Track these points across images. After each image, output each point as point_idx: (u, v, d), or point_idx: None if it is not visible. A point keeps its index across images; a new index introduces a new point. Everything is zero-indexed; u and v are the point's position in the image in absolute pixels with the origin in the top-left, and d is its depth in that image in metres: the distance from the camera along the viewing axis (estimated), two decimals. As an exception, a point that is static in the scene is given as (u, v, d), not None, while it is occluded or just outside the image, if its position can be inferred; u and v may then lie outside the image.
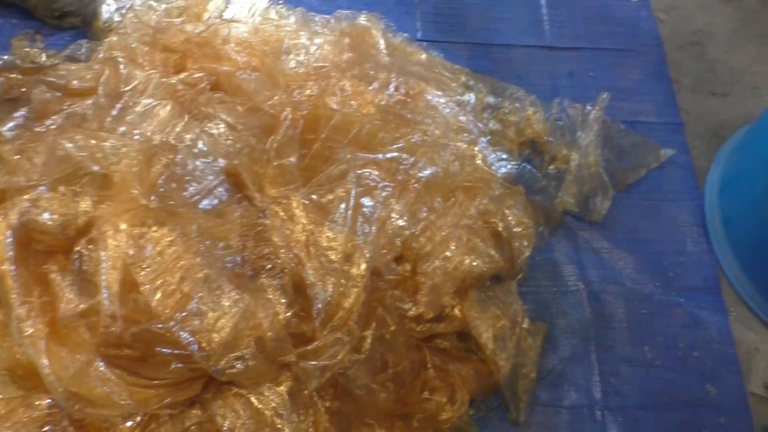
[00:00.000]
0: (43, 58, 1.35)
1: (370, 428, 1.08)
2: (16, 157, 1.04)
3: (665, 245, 1.39)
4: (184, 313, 0.91)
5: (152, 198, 0.95)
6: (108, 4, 1.42)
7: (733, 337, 1.31)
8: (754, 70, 1.65)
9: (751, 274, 1.35)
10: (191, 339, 0.91)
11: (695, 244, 1.40)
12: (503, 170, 1.35)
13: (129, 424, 0.96)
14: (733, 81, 1.63)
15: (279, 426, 0.98)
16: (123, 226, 0.94)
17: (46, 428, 0.97)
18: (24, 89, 1.24)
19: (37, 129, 1.11)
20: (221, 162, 1.05)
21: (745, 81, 1.63)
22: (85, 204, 0.99)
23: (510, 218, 1.26)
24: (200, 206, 0.99)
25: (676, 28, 1.70)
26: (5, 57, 1.34)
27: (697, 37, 1.69)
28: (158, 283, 0.93)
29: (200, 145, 1.09)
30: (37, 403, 0.97)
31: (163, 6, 1.39)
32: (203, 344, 0.91)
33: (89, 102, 1.15)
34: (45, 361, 0.90)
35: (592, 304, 1.31)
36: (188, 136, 1.10)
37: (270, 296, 0.98)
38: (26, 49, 1.38)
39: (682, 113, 1.56)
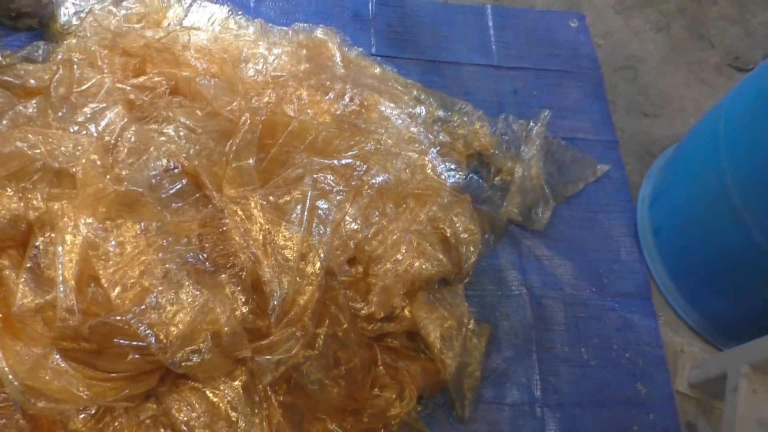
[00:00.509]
0: (-1, 58, 1.35)
1: (322, 423, 1.11)
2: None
3: (601, 254, 1.48)
4: (142, 306, 0.93)
5: (125, 183, 0.97)
6: (66, 8, 1.43)
7: (661, 340, 1.40)
8: (682, 94, 1.78)
9: (677, 281, 1.45)
10: (149, 332, 0.93)
11: (628, 253, 1.50)
12: (452, 180, 1.42)
13: (83, 416, 0.96)
14: (663, 103, 1.76)
15: (234, 419, 1.00)
16: (87, 220, 0.95)
17: (-3, 423, 0.96)
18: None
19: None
20: (179, 162, 1.08)
21: (673, 103, 1.76)
22: (36, 200, 1.00)
23: (458, 225, 1.33)
24: (161, 197, 1.00)
25: (612, 53, 1.82)
26: (-40, 56, 1.32)
27: (631, 62, 1.82)
28: (118, 276, 0.95)
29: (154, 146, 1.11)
30: (-13, 398, 0.97)
31: (123, 11, 1.42)
32: (161, 337, 0.93)
33: (37, 101, 1.15)
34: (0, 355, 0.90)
35: (534, 307, 1.39)
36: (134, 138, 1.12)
37: (228, 292, 1.01)
38: (-21, 48, 1.37)
39: (617, 131, 1.67)
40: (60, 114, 1.10)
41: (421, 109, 1.46)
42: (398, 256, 1.23)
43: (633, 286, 1.46)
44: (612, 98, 1.73)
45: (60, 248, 0.94)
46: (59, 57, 1.30)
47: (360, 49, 1.57)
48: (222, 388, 1.03)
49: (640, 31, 1.90)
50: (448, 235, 1.32)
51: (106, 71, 1.25)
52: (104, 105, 1.13)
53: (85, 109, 1.11)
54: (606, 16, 1.90)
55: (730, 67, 1.87)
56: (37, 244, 0.96)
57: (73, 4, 1.44)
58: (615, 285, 1.45)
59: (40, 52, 1.38)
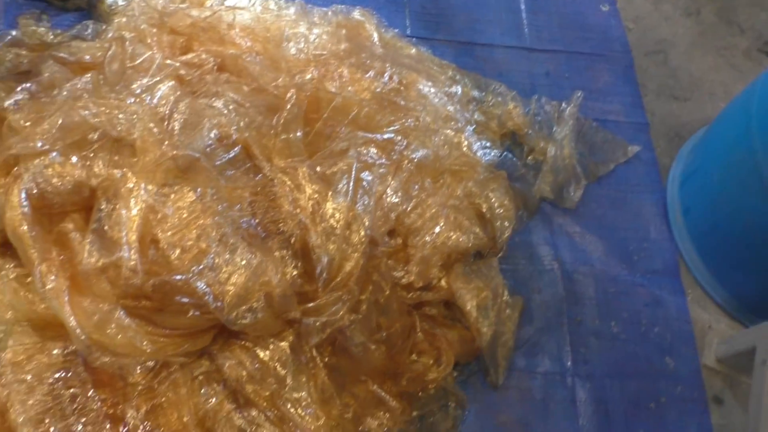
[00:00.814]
0: (50, 37, 1.40)
1: (364, 384, 1.16)
2: (26, 124, 1.10)
3: (631, 232, 1.52)
4: (200, 267, 0.99)
5: (176, 150, 1.02)
6: (114, -12, 1.48)
7: (689, 316, 1.44)
8: (712, 78, 1.80)
9: (705, 259, 1.48)
10: (207, 290, 0.98)
11: (658, 232, 1.53)
12: (487, 158, 1.46)
13: (142, 370, 1.02)
14: (693, 87, 1.78)
15: (282, 375, 1.06)
16: (147, 186, 1.00)
17: (61, 374, 1.02)
18: (33, 64, 1.29)
19: (44, 100, 1.17)
20: (230, 134, 1.13)
21: (703, 87, 1.78)
22: (97, 167, 1.05)
23: (493, 200, 1.37)
24: (215, 164, 1.06)
25: (643, 37, 1.84)
26: (13, 33, 1.38)
27: (661, 46, 1.84)
28: (176, 239, 1.00)
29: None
30: (54, 351, 1.03)
31: (169, -9, 1.47)
32: (218, 295, 0.98)
33: (92, 76, 1.21)
34: (68, 311, 0.96)
35: (565, 282, 1.42)
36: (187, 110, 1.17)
37: (278, 256, 1.06)
38: (32, 28, 1.43)
39: (647, 114, 1.69)
40: (116, 88, 1.15)
41: (456, 89, 1.50)
42: (436, 229, 1.27)
43: (662, 263, 1.49)
44: (642, 81, 1.75)
45: (123, 212, 1.00)
46: (110, 35, 1.35)
47: (396, 31, 1.61)
48: (271, 347, 1.08)
49: (670, 15, 1.91)
50: (484, 210, 1.36)
51: (155, 49, 1.30)
52: (157, 79, 1.18)
53: (140, 83, 1.16)
54: (636, 0, 1.92)
55: (759, 52, 1.88)
56: (102, 208, 1.01)
57: (121, -16, 1.49)
58: (644, 262, 1.48)
59: (89, 31, 1.43)
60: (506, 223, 1.37)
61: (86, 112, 1.08)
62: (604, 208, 1.54)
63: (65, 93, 1.13)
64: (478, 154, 1.43)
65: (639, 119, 1.68)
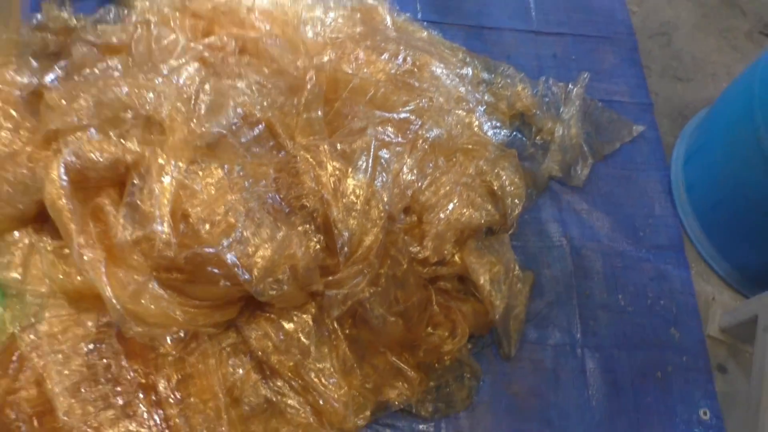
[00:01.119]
0: (74, 21, 1.44)
1: (383, 355, 1.21)
2: (62, 102, 1.14)
3: (636, 209, 1.57)
4: (230, 240, 1.03)
5: (203, 128, 1.06)
6: (134, -26, 1.52)
7: (693, 289, 1.49)
8: (714, 59, 1.85)
9: (709, 234, 1.53)
10: (236, 262, 1.02)
11: (662, 208, 1.58)
12: (497, 137, 1.50)
13: (172, 341, 1.07)
14: (696, 68, 1.82)
15: (306, 345, 1.10)
16: (178, 163, 1.04)
17: (96, 345, 1.07)
18: (60, 46, 1.33)
19: (77, 79, 1.21)
20: (253, 113, 1.17)
21: (706, 69, 1.82)
22: (131, 144, 1.10)
23: (504, 178, 1.41)
24: (241, 141, 1.10)
25: (647, 20, 1.88)
26: (39, 17, 1.42)
27: (665, 29, 1.88)
28: (206, 214, 1.04)
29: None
30: (88, 323, 1.07)
31: (187, -23, 1.50)
32: (246, 267, 1.03)
33: (120, 57, 1.25)
34: (105, 281, 1.00)
35: (573, 257, 1.47)
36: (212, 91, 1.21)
37: (302, 230, 1.11)
38: (56, 13, 1.46)
39: (651, 95, 1.74)
40: (144, 68, 1.19)
41: (467, 71, 1.54)
42: (449, 206, 1.32)
43: (667, 239, 1.54)
44: (646, 63, 1.79)
45: (156, 187, 1.04)
46: (134, 19, 1.39)
47: (407, 15, 1.65)
48: (295, 319, 1.13)
49: (673, -1, 1.95)
50: (495, 187, 1.41)
51: (178, 32, 1.34)
52: (182, 61, 1.22)
53: (166, 64, 1.20)
54: (640, -16, 1.96)
55: (761, 35, 1.92)
56: (135, 183, 1.06)
57: (140, -30, 1.52)
58: (649, 238, 1.53)
59: (111, 15, 1.47)
60: (516, 201, 1.42)
61: (118, 89, 1.12)
62: (611, 185, 1.58)
63: (97, 72, 1.17)
64: (489, 133, 1.48)
65: (643, 99, 1.72)
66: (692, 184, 1.56)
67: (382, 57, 1.41)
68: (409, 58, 1.43)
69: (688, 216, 1.55)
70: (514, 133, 1.55)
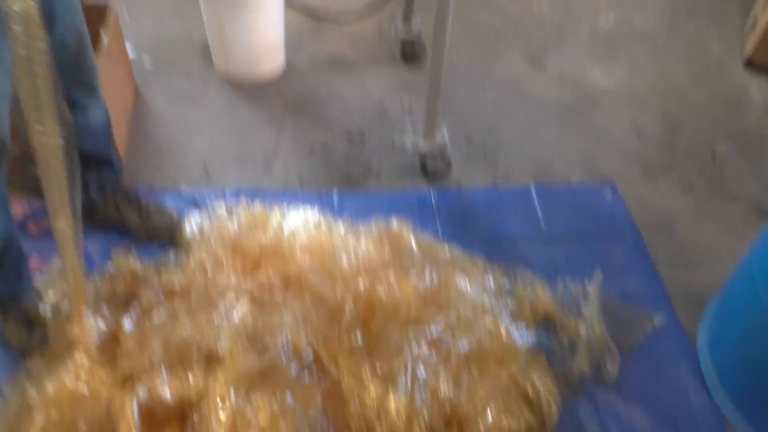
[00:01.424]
0: (141, 269, 1.64)
1: None
2: (136, 346, 1.29)
3: (673, 401, 1.59)
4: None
5: (257, 360, 1.19)
6: (190, 224, 1.76)
7: (745, 480, 1.46)
8: (718, 244, 1.97)
9: (749, 419, 1.53)
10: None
11: (698, 397, 1.60)
12: (525, 341, 1.60)
13: None
14: (702, 255, 1.95)
15: None
16: (235, 394, 1.16)
17: None
18: (129, 293, 1.52)
19: (147, 324, 1.37)
20: (303, 342, 1.30)
21: (712, 253, 1.95)
22: (195, 380, 1.22)
23: (537, 383, 1.48)
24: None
25: (648, 216, 2.06)
26: (111, 270, 1.63)
27: (666, 222, 2.04)
28: (261, 442, 1.13)
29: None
30: None
31: (235, 220, 1.74)
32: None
33: (183, 299, 1.43)
34: None
35: (616, 459, 1.48)
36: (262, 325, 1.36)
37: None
38: (124, 261, 1.67)
39: (665, 285, 1.84)
40: (203, 308, 1.36)
41: (489, 280, 1.68)
42: (488, 416, 1.38)
43: (707, 429, 1.54)
44: (655, 255, 1.93)
45: (213, 418, 1.14)
46: (191, 262, 1.59)
47: (429, 234, 1.84)
48: None
49: (667, 194, 2.15)
50: (529, 392, 1.47)
51: (230, 270, 1.53)
52: (235, 299, 1.39)
53: (222, 302, 1.37)
54: (634, 184, 2.17)
55: (756, 215, 2.08)
56: (196, 418, 1.16)
57: (195, 221, 1.77)
58: (691, 430, 1.54)
59: (172, 258, 1.68)
60: (552, 404, 1.47)
61: (183, 330, 1.27)
62: (643, 380, 1.62)
63: (164, 316, 1.34)
64: (517, 339, 1.57)
65: (658, 291, 1.83)
66: (723, 371, 1.60)
67: (411, 278, 1.57)
68: (435, 276, 1.59)
69: (725, 402, 1.57)
70: (540, 335, 1.65)
